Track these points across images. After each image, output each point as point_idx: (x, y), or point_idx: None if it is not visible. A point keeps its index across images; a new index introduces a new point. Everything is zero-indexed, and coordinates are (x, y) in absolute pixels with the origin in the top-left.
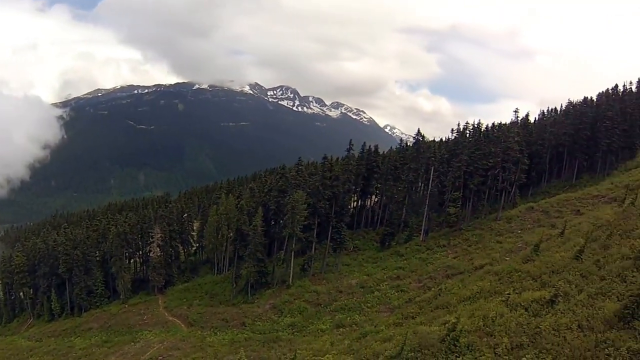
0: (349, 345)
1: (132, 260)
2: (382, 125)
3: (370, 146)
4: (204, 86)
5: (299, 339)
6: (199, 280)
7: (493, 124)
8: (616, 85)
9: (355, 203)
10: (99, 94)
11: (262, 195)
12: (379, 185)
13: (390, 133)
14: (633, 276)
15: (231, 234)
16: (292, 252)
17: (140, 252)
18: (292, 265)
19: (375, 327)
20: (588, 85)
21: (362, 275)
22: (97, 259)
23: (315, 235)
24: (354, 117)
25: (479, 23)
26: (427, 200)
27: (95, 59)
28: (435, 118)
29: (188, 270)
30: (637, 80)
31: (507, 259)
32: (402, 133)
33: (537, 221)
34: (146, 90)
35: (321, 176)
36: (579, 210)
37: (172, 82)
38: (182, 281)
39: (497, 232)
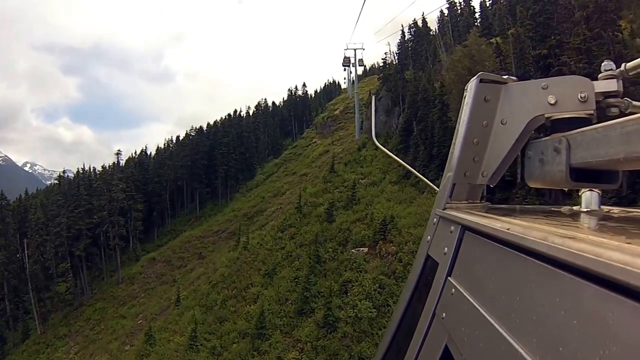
0: None
1: None
2: (20, 164)
3: None
4: None
5: None
6: None
7: (103, 166)
8: (235, 111)
9: None
10: None
11: None
12: None
13: (31, 171)
14: None
15: None
16: None
17: None
18: None
19: None
20: (220, 105)
21: None
22: None
23: None
24: None
25: (124, 43)
26: (30, 283)
27: None
28: (79, 148)
29: None
30: (255, 105)
31: (127, 348)
32: (44, 169)
33: (160, 276)
34: None
35: None
36: (201, 253)
37: None
38: None
39: (120, 301)
